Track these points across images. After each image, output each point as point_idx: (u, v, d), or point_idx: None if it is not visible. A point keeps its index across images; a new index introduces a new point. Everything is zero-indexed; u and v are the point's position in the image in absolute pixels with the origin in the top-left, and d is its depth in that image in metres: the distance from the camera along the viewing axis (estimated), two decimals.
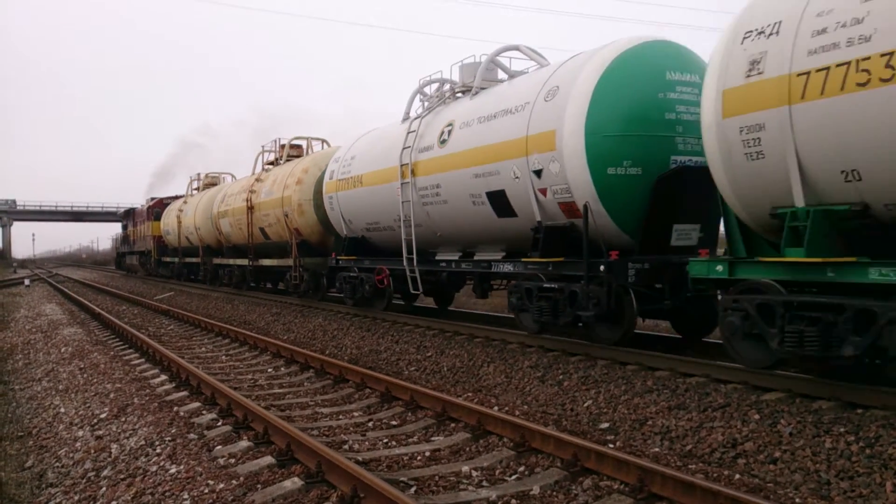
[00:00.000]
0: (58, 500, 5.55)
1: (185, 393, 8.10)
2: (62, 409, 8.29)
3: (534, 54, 11.09)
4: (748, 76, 6.22)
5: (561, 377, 7.87)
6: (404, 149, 11.76)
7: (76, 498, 5.41)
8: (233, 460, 5.52)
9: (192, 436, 6.21)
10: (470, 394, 7.94)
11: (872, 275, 5.61)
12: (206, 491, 4.88)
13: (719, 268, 6.94)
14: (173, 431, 6.35)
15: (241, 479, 5.04)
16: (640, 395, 6.89)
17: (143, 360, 10.80)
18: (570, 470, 5.10)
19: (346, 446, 5.97)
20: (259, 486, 4.91)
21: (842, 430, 5.32)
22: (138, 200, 44.24)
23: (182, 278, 29.55)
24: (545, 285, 8.97)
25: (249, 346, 11.80)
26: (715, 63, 6.57)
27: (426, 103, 12.24)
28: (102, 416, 7.47)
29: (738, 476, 5.03)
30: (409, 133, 11.81)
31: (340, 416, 7.13)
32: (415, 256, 12.00)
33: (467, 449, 5.87)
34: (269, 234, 18.75)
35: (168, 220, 30.38)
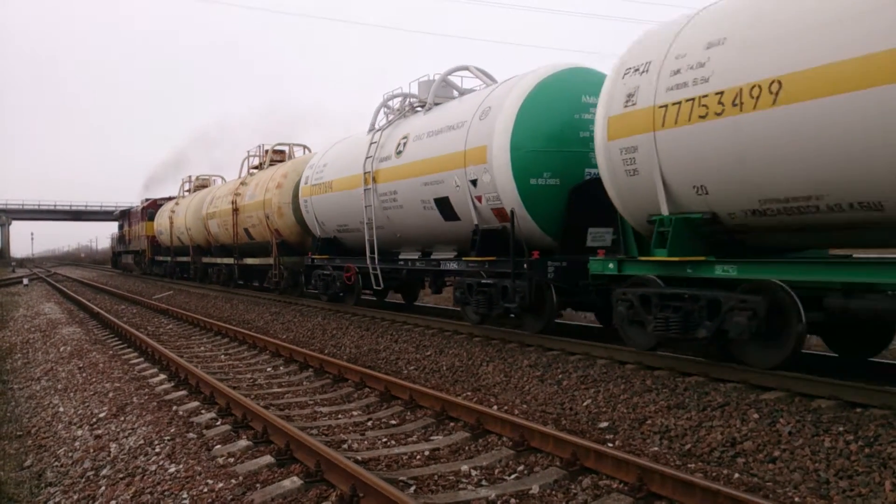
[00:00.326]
0: (57, 499, 5.55)
1: (184, 392, 8.09)
2: (61, 409, 8.29)
3: (481, 74, 12.42)
4: (626, 106, 7.49)
5: (560, 376, 7.87)
6: (367, 158, 13.04)
7: (75, 497, 5.41)
8: (232, 459, 5.51)
9: (191, 435, 6.21)
10: (469, 393, 7.94)
11: (717, 271, 6.95)
12: (206, 490, 4.88)
13: (611, 265, 8.27)
14: (172, 431, 6.35)
15: (241, 478, 5.04)
16: (640, 394, 6.89)
17: (142, 359, 10.80)
18: (569, 469, 5.10)
19: (345, 445, 5.97)
20: (258, 485, 4.91)
21: (841, 429, 5.32)
22: (137, 200, 45.34)
23: (175, 277, 30.51)
24: (483, 281, 10.31)
25: (248, 346, 11.80)
26: (604, 94, 7.88)
27: (389, 116, 13.55)
28: (101, 415, 7.46)
29: (737, 475, 5.04)
30: (371, 144, 13.11)
31: (339, 416, 7.13)
32: (376, 255, 13.32)
33: (466, 448, 5.87)
34: (253, 234, 19.91)
35: (161, 220, 31.59)
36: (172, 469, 5.37)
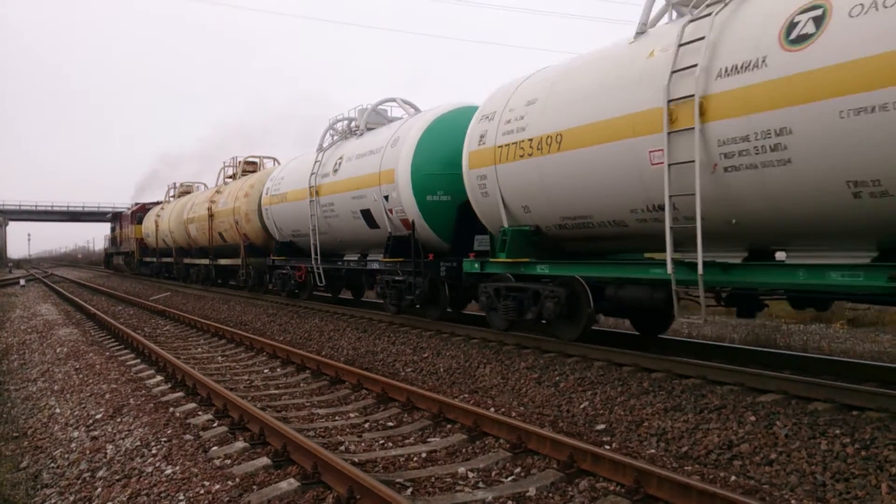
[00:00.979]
0: (53, 500, 5.54)
1: (180, 394, 8.08)
2: (57, 410, 8.27)
3: (406, 105, 14.71)
4: (479, 144, 9.95)
5: (557, 378, 7.87)
6: (311, 174, 15.40)
7: (71, 499, 5.39)
8: (228, 461, 5.51)
9: (187, 437, 6.20)
10: (466, 395, 7.94)
11: (538, 269, 9.37)
12: (202, 492, 4.87)
13: (476, 265, 10.54)
14: (169, 432, 6.34)
15: (237, 480, 5.03)
16: (637, 396, 6.89)
17: (138, 360, 10.78)
18: (566, 471, 5.10)
19: (342, 447, 5.97)
20: (255, 487, 4.91)
21: (837, 431, 5.33)
22: (132, 202, 46.55)
23: (161, 276, 32.77)
24: (397, 278, 12.67)
25: (245, 347, 11.78)
26: (468, 133, 10.30)
27: (334, 137, 15.89)
28: (98, 416, 7.45)
29: (733, 478, 5.04)
30: (315, 162, 15.48)
31: (337, 417, 7.12)
32: (319, 257, 15.78)
33: (463, 450, 5.87)
34: (226, 237, 22.35)
35: (148, 223, 34.15)
36: (169, 471, 5.36)
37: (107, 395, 8.26)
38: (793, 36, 5.96)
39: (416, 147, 11.93)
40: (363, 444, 6.12)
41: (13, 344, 14.48)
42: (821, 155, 5.74)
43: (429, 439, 6.24)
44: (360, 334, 12.08)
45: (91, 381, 9.28)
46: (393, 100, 14.99)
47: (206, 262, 25.25)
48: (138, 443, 6.17)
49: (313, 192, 15.22)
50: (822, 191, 5.85)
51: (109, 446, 6.33)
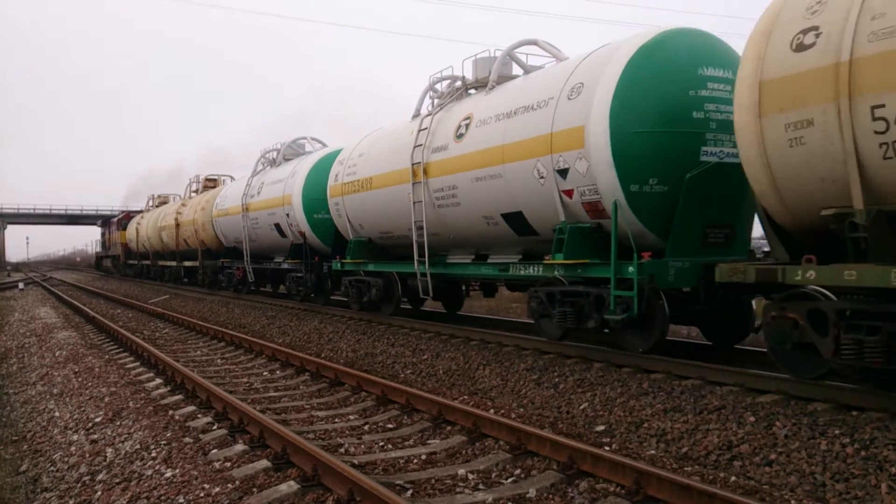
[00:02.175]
0: None
1: (180, 396, 8.08)
2: (57, 413, 8.26)
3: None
4: (334, 181, 14.32)
5: (557, 380, 7.87)
6: (244, 194, 20.47)
7: (71, 502, 5.39)
8: (228, 464, 5.50)
9: (187, 439, 6.20)
10: (466, 397, 7.93)
11: (370, 267, 13.62)
12: (202, 495, 4.86)
13: (338, 265, 14.75)
14: (168, 435, 6.34)
15: (237, 482, 5.03)
16: (636, 397, 6.90)
17: (138, 363, 10.78)
18: (566, 472, 5.11)
19: (342, 449, 5.96)
20: (255, 489, 4.90)
21: (837, 432, 5.34)
22: (133, 205, 48.89)
23: (142, 276, 36.87)
24: (298, 275, 17.48)
25: (245, 350, 11.78)
26: (330, 172, 14.67)
27: (264, 165, 19.66)
28: (97, 419, 7.44)
29: (733, 478, 5.04)
30: (247, 185, 20.68)
31: (336, 420, 7.12)
32: (249, 259, 20.47)
33: (463, 452, 5.87)
34: (189, 243, 26.54)
35: (131, 230, 38.35)
36: (168, 474, 5.35)
37: (106, 399, 8.25)
38: (458, 133, 10.59)
39: (306, 178, 16.51)
40: (363, 446, 6.12)
41: (12, 347, 14.47)
42: (471, 201, 10.25)
43: (428, 441, 6.24)
44: (359, 336, 12.08)
45: (90, 384, 9.27)
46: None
47: (174, 263, 29.55)
48: (138, 446, 6.16)
49: (244, 208, 19.77)
50: (473, 220, 10.42)
51: (109, 449, 6.33)
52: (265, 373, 9.86)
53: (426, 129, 11.28)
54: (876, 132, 5.38)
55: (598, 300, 8.04)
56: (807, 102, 5.85)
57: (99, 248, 55.20)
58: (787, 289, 6.40)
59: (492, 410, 7.04)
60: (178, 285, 28.52)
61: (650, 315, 7.86)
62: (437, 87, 12.13)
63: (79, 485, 5.70)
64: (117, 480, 5.49)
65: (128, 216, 41.69)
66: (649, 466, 4.89)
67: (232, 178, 26.97)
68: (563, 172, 8.46)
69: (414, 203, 11.32)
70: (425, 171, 11.08)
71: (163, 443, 6.12)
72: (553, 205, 8.73)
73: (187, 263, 27.32)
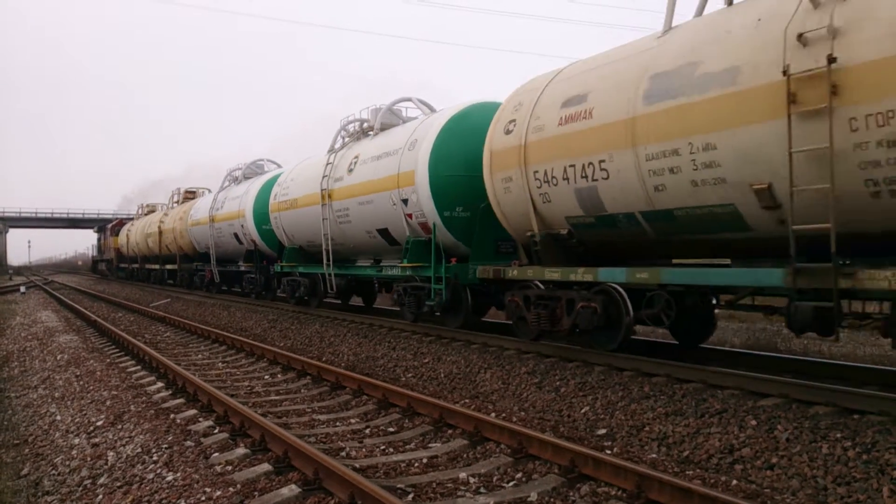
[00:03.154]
0: None
1: (181, 400, 8.08)
2: (58, 417, 8.27)
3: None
4: (273, 200, 18.02)
5: (558, 383, 7.87)
6: (210, 207, 24.11)
7: None
8: (230, 467, 5.50)
9: (188, 443, 6.20)
10: (467, 400, 7.93)
11: (299, 269, 17.21)
12: (203, 498, 4.87)
13: (278, 267, 18.42)
14: (170, 439, 6.34)
15: (239, 486, 5.03)
16: (638, 401, 6.89)
17: (139, 367, 10.78)
18: (567, 476, 5.10)
19: (343, 453, 5.96)
20: (256, 493, 4.90)
21: (838, 435, 5.33)
22: (123, 211, 51.94)
23: (132, 278, 40.45)
24: (251, 275, 21.66)
25: (246, 353, 11.78)
26: (272, 192, 18.33)
27: (224, 185, 22.51)
28: (99, 423, 7.45)
29: (735, 482, 5.04)
30: (214, 199, 23.94)
31: (338, 423, 7.12)
32: (215, 262, 24.22)
33: (465, 455, 5.87)
34: (170, 249, 30.02)
35: (122, 236, 42.29)
36: (170, 477, 5.35)
37: (108, 402, 8.26)
38: (350, 168, 13.96)
39: (256, 196, 20.09)
40: (364, 449, 6.11)
41: (14, 351, 14.47)
42: (358, 220, 13.56)
43: (430, 445, 6.24)
44: (360, 340, 12.07)
45: (92, 387, 9.27)
46: (262, 160, 22.49)
47: (158, 266, 33.50)
48: (139, 449, 6.17)
49: (211, 219, 23.35)
50: (361, 234, 13.72)
51: (110, 453, 6.33)
52: (266, 376, 9.86)
53: (331, 163, 14.79)
54: (537, 187, 8.96)
55: (430, 291, 11.46)
56: (509, 167, 9.41)
57: (95, 253, 60.39)
58: (517, 283, 9.77)
59: (493, 414, 7.04)
60: (176, 289, 29.85)
61: (457, 302, 11.59)
62: (349, 127, 15.40)
63: (80, 488, 5.71)
64: (119, 484, 5.49)
65: (120, 223, 45.92)
66: (651, 470, 4.88)
67: (209, 190, 30.12)
68: (405, 201, 11.94)
69: (323, 219, 14.81)
70: (329, 196, 14.55)
71: (164, 446, 6.12)
72: (402, 224, 12.21)
73: (169, 266, 31.28)
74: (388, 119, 14.30)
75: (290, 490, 4.87)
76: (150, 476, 5.47)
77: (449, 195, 11.29)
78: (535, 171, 8.85)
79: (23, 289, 35.33)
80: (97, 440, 6.86)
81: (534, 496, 4.83)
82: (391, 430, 6.80)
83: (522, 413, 7.28)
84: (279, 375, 9.87)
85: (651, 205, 7.49)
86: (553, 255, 9.03)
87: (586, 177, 8.12)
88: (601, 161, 7.89)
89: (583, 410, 7.05)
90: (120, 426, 7.12)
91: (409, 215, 11.86)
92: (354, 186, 13.59)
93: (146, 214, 38.64)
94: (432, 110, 13.84)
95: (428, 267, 11.54)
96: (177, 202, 32.57)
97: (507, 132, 9.40)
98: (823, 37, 5.76)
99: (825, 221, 5.69)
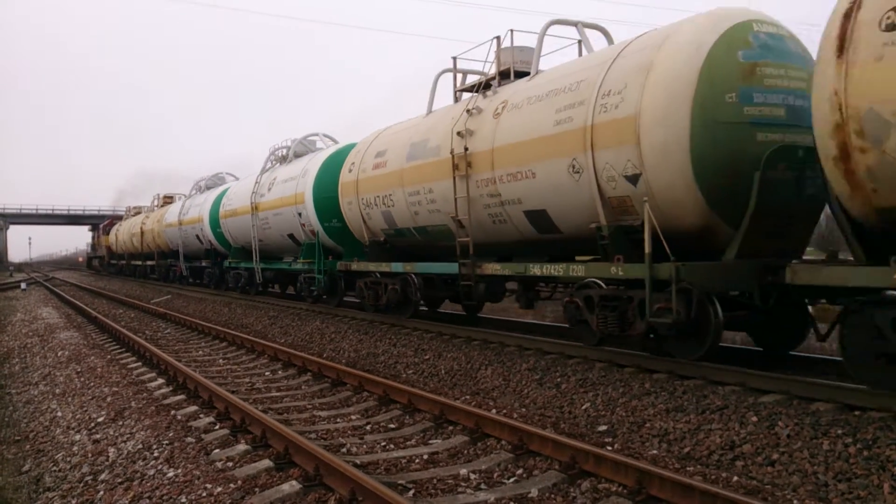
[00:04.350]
0: None
1: (182, 396, 8.08)
2: (59, 413, 8.27)
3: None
4: (223, 208, 22.51)
5: (559, 380, 7.87)
6: (179, 212, 27.57)
7: (74, 502, 5.39)
8: (230, 464, 5.51)
9: (189, 439, 6.21)
10: (468, 397, 7.94)
11: (242, 265, 21.82)
12: (204, 494, 4.87)
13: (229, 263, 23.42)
14: (171, 435, 6.34)
15: (239, 482, 5.03)
16: (638, 397, 6.89)
17: (140, 363, 10.79)
18: (568, 472, 5.10)
19: (344, 449, 5.97)
20: (257, 489, 4.91)
21: (839, 432, 5.33)
22: (121, 209, 54.56)
23: (122, 273, 44.99)
24: (211, 270, 25.96)
25: (247, 350, 11.78)
26: (222, 202, 23.17)
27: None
28: (100, 419, 7.45)
29: (736, 478, 5.04)
30: (185, 202, 27.78)
31: (338, 420, 7.13)
32: (183, 258, 28.90)
33: (465, 452, 5.87)
34: (150, 247, 34.36)
35: (112, 235, 46.55)
36: (171, 473, 5.36)
37: (108, 399, 8.26)
38: (269, 187, 18.46)
39: (211, 206, 23.88)
40: (365, 446, 6.12)
41: (15, 347, 14.49)
42: (275, 227, 18.07)
43: (430, 441, 6.24)
44: (361, 336, 12.08)
45: (93, 384, 9.28)
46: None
47: (140, 262, 38.22)
48: (140, 446, 6.17)
49: (180, 223, 27.61)
50: (279, 237, 18.07)
51: (111, 449, 6.33)
52: (267, 373, 9.86)
53: (259, 182, 19.35)
54: (365, 209, 13.38)
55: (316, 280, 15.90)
56: (350, 194, 13.78)
57: (90, 250, 65.17)
58: (360, 273, 14.30)
59: (494, 410, 7.04)
60: (176, 285, 31.40)
61: (335, 289, 15.82)
62: (277, 153, 19.71)
63: (81, 485, 5.71)
64: (120, 480, 5.49)
65: (111, 223, 50.53)
66: (651, 466, 4.89)
67: (184, 196, 33.00)
68: (300, 214, 16.38)
69: (252, 226, 19.29)
70: (256, 208, 19.01)
71: (165, 443, 6.13)
72: (300, 231, 16.70)
73: (149, 262, 35.80)
74: (302, 149, 18.85)
75: (291, 486, 4.87)
76: (151, 472, 5.47)
77: (327, 211, 15.43)
78: (363, 199, 13.24)
79: (23, 285, 35.35)
80: (98, 436, 6.87)
81: (534, 492, 4.83)
82: (392, 426, 6.80)
83: (523, 409, 7.29)
84: (280, 372, 9.88)
85: (415, 223, 11.98)
86: (377, 254, 13.28)
87: (385, 204, 12.56)
88: (390, 195, 12.32)
89: (584, 407, 7.05)
90: (121, 422, 7.13)
91: (303, 225, 16.43)
92: (272, 201, 18.07)
93: (133, 216, 42.52)
94: (335, 142, 18.38)
95: (314, 263, 16.03)
96: (157, 206, 36.72)
97: (350, 171, 13.82)
98: (465, 135, 10.22)
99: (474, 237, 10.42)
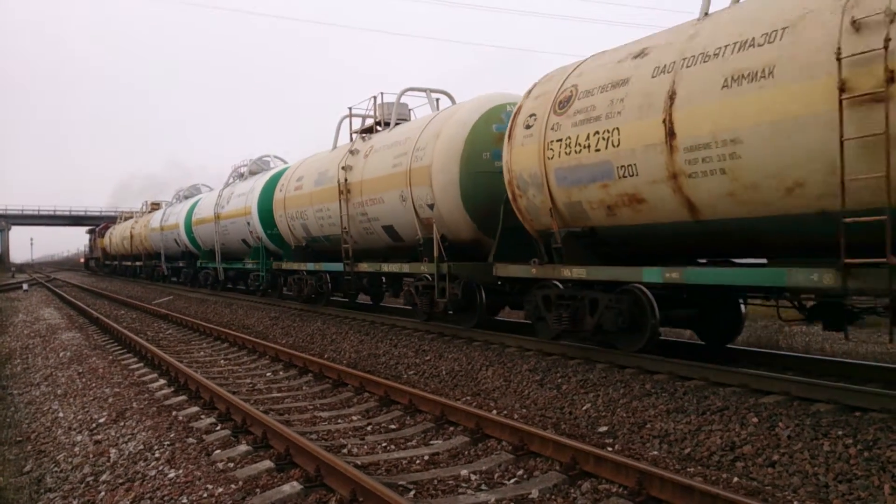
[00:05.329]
0: None
1: (183, 397, 8.09)
2: (61, 414, 8.28)
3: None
4: (194, 216, 26.44)
5: (560, 381, 7.87)
6: (161, 219, 31.36)
7: (75, 503, 5.40)
8: (232, 464, 5.52)
9: (190, 440, 6.21)
10: (468, 397, 7.94)
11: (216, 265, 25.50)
12: (205, 495, 4.88)
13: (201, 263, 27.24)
14: (172, 436, 6.35)
15: (240, 483, 5.04)
16: (639, 398, 6.89)
17: (141, 364, 10.80)
18: (568, 473, 5.11)
19: (344, 450, 5.97)
20: (258, 490, 4.92)
21: (840, 433, 5.33)
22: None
23: (115, 274, 49.03)
24: (186, 270, 30.58)
25: (248, 350, 11.80)
26: (194, 209, 27.02)
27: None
28: (101, 420, 7.46)
29: (736, 479, 5.04)
30: (164, 210, 32.26)
31: (339, 420, 7.13)
32: (164, 260, 32.27)
33: (466, 453, 5.87)
34: (139, 249, 38.14)
35: (106, 238, 50.82)
36: (172, 474, 5.37)
37: (110, 399, 8.27)
38: (227, 201, 22.39)
39: (185, 215, 27.16)
40: (366, 446, 6.13)
41: (16, 348, 14.50)
42: (232, 233, 22.04)
43: (431, 442, 6.25)
44: (362, 337, 12.08)
45: (94, 385, 9.29)
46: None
47: (130, 263, 42.86)
48: (141, 447, 6.18)
49: (161, 228, 31.39)
50: (237, 241, 21.83)
51: (113, 450, 6.34)
52: (268, 374, 9.87)
53: (221, 195, 22.86)
54: (291, 220, 17.15)
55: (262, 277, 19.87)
56: (280, 209, 17.56)
57: (87, 251, 69.59)
58: (290, 271, 18.36)
59: (494, 411, 7.05)
60: (178, 286, 32.44)
61: (276, 284, 19.46)
62: (240, 169, 23.42)
63: (82, 485, 5.72)
64: (121, 481, 5.50)
65: (106, 227, 54.38)
66: (652, 467, 4.89)
67: (167, 202, 36.97)
68: (248, 223, 20.11)
69: (216, 232, 22.89)
70: (218, 217, 22.59)
71: (166, 443, 6.14)
72: (250, 237, 20.31)
73: (138, 263, 39.98)
74: (256, 167, 22.62)
75: (292, 487, 4.88)
76: (152, 473, 5.48)
77: (268, 221, 18.73)
78: (289, 213, 16.82)
79: (25, 286, 35.39)
80: (99, 437, 6.88)
81: (535, 493, 4.83)
82: (393, 427, 6.81)
83: (524, 410, 7.29)
84: (281, 373, 9.89)
85: (322, 233, 15.54)
86: (301, 256, 16.87)
87: (303, 217, 16.14)
88: (305, 211, 15.94)
89: (584, 408, 7.05)
90: (122, 423, 7.14)
91: (251, 232, 20.08)
92: (230, 212, 21.76)
93: (125, 220, 46.66)
94: (284, 162, 21.95)
95: (259, 262, 19.93)
96: (147, 211, 40.54)
97: (280, 191, 17.38)
98: (347, 169, 13.64)
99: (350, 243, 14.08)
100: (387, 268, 12.87)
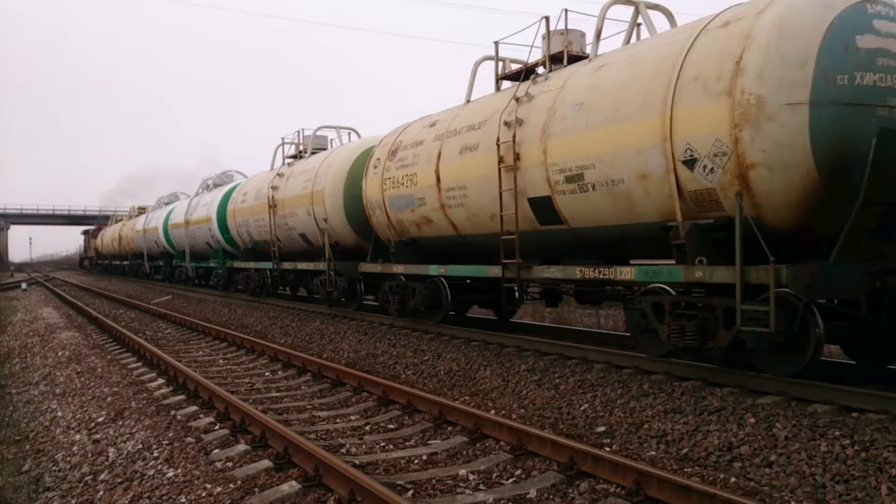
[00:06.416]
0: None
1: (182, 397, 8.10)
2: (59, 413, 8.29)
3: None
4: (178, 219, 29.18)
5: (557, 381, 7.89)
6: (144, 223, 35.95)
7: (73, 502, 5.41)
8: (230, 464, 5.53)
9: (189, 439, 6.22)
10: (467, 397, 7.95)
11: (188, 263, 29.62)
12: (204, 494, 4.89)
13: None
14: (171, 435, 6.36)
15: (239, 482, 5.05)
16: (637, 398, 6.91)
17: (140, 363, 10.80)
18: (566, 473, 5.12)
19: (343, 450, 5.98)
20: (256, 489, 4.92)
21: (837, 433, 5.34)
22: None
23: (106, 272, 52.42)
24: (165, 268, 34.21)
25: (247, 350, 11.80)
26: (180, 210, 29.42)
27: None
28: (100, 419, 7.47)
29: (733, 479, 5.05)
30: (149, 214, 36.19)
31: (338, 420, 7.14)
32: (146, 258, 36.34)
33: (464, 452, 5.89)
34: (127, 249, 41.76)
35: (99, 239, 55.00)
36: (171, 473, 5.38)
37: (108, 399, 8.28)
38: (196, 209, 25.91)
39: (164, 217, 30.25)
40: (364, 446, 6.14)
41: (15, 347, 14.50)
42: (198, 237, 25.85)
43: (429, 441, 6.26)
44: (360, 337, 12.10)
45: (93, 384, 9.30)
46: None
47: (119, 262, 46.75)
48: (140, 446, 6.19)
49: (144, 231, 34.86)
50: (201, 244, 25.66)
51: (111, 449, 6.35)
52: (267, 373, 9.88)
53: (190, 204, 26.25)
54: (237, 228, 21.29)
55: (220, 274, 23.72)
56: (229, 218, 21.95)
57: (82, 251, 74.07)
58: (239, 269, 22.75)
59: (493, 411, 7.06)
60: (176, 286, 32.54)
61: (231, 281, 23.18)
62: (208, 182, 27.30)
63: (81, 484, 5.73)
64: (119, 480, 5.51)
65: (99, 228, 58.29)
66: (649, 467, 4.90)
67: (150, 206, 40.31)
68: (209, 229, 23.44)
69: (185, 235, 26.31)
70: (187, 223, 25.92)
71: (165, 443, 6.15)
72: (212, 240, 23.27)
73: (126, 262, 44.00)
74: (220, 180, 26.73)
75: (291, 486, 4.89)
76: (151, 472, 5.49)
77: (224, 227, 22.04)
78: (237, 221, 20.50)
79: (24, 285, 35.37)
80: (98, 436, 6.89)
81: (533, 493, 4.85)
82: (391, 426, 6.82)
83: (522, 410, 7.30)
84: (279, 372, 9.90)
85: (260, 238, 19.07)
86: (249, 256, 20.53)
87: (247, 225, 19.79)
88: (248, 220, 19.59)
89: (582, 408, 7.06)
90: (121, 422, 7.14)
91: (212, 236, 23.25)
92: (197, 219, 25.15)
93: (115, 223, 50.14)
94: (245, 176, 25.33)
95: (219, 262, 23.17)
96: (134, 215, 43.75)
97: (232, 202, 20.98)
98: (275, 188, 17.76)
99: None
100: (301, 265, 16.66)
